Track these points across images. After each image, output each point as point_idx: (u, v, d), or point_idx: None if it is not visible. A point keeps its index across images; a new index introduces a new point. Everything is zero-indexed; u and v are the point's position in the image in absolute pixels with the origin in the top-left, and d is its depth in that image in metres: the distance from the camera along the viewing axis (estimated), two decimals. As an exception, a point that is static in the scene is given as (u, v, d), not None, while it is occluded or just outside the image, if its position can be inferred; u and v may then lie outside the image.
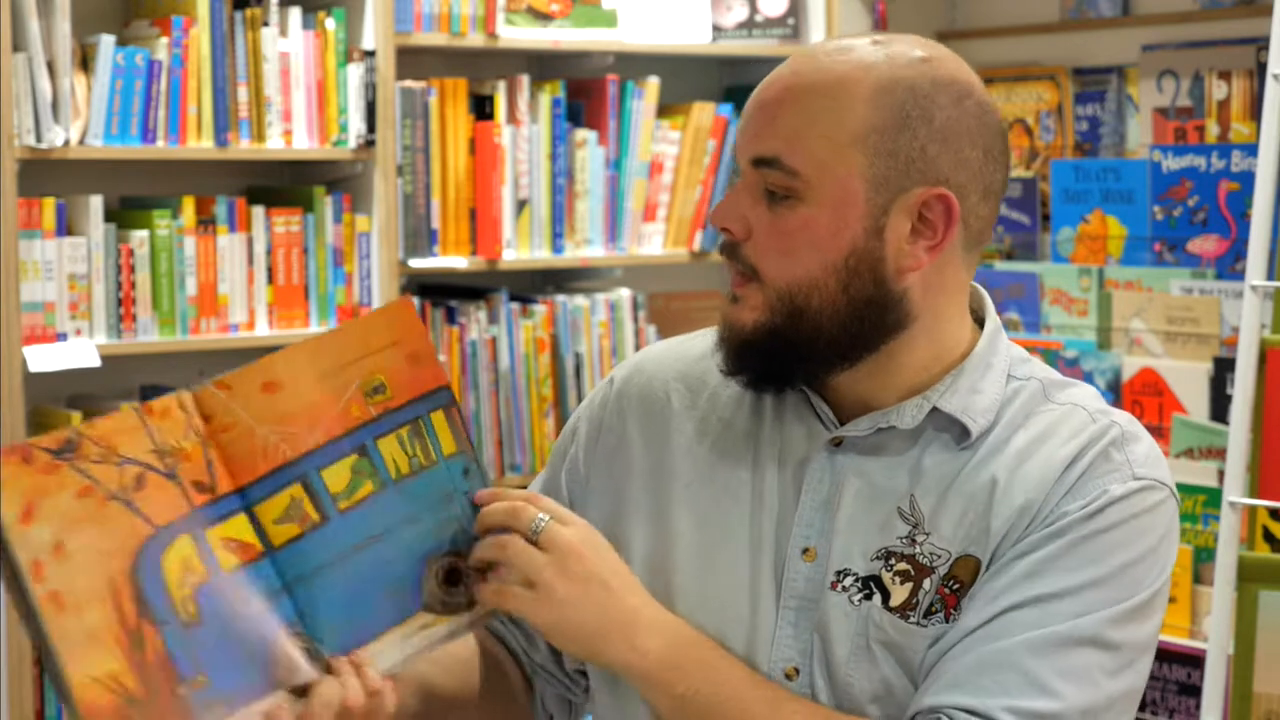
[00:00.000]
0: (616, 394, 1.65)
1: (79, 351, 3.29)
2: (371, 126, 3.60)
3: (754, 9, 4.15)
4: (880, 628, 1.47)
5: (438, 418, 1.47)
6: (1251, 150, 3.61)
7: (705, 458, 1.57)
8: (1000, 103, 4.28)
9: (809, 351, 1.49)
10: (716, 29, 4.14)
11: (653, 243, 4.07)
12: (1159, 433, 3.59)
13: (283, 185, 3.71)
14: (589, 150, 3.94)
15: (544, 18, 3.86)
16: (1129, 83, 4.21)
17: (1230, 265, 3.72)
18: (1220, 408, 3.55)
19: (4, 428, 3.15)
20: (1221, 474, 3.23)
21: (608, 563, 1.46)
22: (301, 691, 1.40)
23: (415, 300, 3.71)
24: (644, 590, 1.49)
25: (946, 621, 1.46)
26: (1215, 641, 2.84)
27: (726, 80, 4.32)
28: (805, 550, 1.50)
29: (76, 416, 3.34)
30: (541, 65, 4.03)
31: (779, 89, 1.49)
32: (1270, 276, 2.93)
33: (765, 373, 1.51)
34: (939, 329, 1.52)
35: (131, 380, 3.50)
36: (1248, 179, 3.58)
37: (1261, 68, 3.82)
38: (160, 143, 3.39)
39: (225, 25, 3.45)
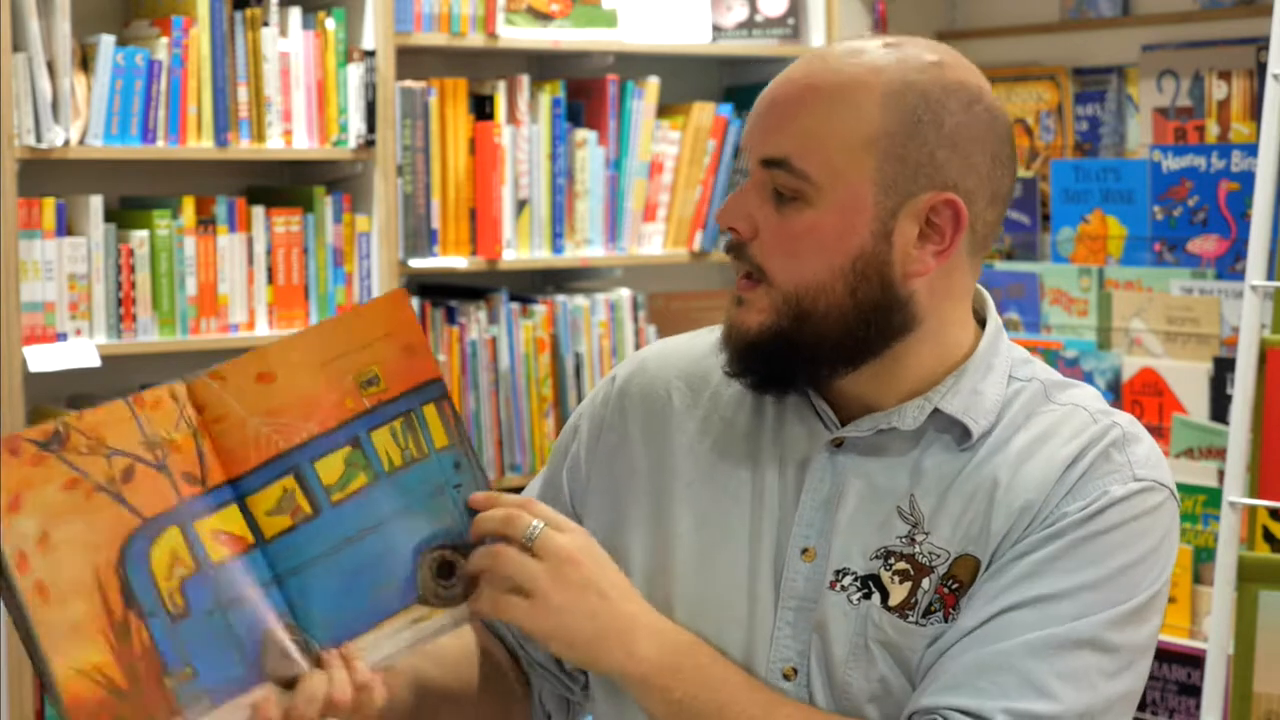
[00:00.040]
0: (618, 392, 1.65)
1: (79, 351, 3.29)
2: (371, 126, 3.60)
3: (754, 9, 4.15)
4: (879, 627, 1.47)
5: (429, 410, 1.47)
6: (1251, 150, 3.61)
7: (706, 457, 1.57)
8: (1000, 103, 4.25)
9: (814, 355, 1.49)
10: (716, 29, 4.14)
11: (653, 243, 4.07)
12: (1159, 433, 3.59)
13: (283, 185, 3.71)
14: (589, 150, 3.94)
15: (544, 18, 3.86)
16: (1129, 83, 4.21)
17: (1230, 265, 3.72)
18: (1220, 408, 3.55)
19: (4, 428, 3.15)
20: (1221, 474, 3.23)
21: (604, 569, 1.46)
22: (291, 684, 1.40)
23: (415, 300, 3.72)
24: (639, 597, 1.49)
25: (945, 621, 1.46)
26: (1215, 641, 2.84)
27: (726, 80, 4.32)
28: (804, 550, 1.50)
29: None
30: (541, 65, 4.03)
31: (791, 89, 1.49)
32: (1270, 276, 2.93)
33: (769, 375, 1.51)
34: (943, 332, 1.52)
35: (131, 380, 3.50)
36: (1248, 179, 3.58)
37: (1261, 68, 3.82)
38: (160, 143, 3.39)
39: (225, 25, 3.45)
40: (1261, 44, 3.79)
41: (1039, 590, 1.43)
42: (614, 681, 1.48)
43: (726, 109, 4.11)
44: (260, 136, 3.51)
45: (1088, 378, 3.75)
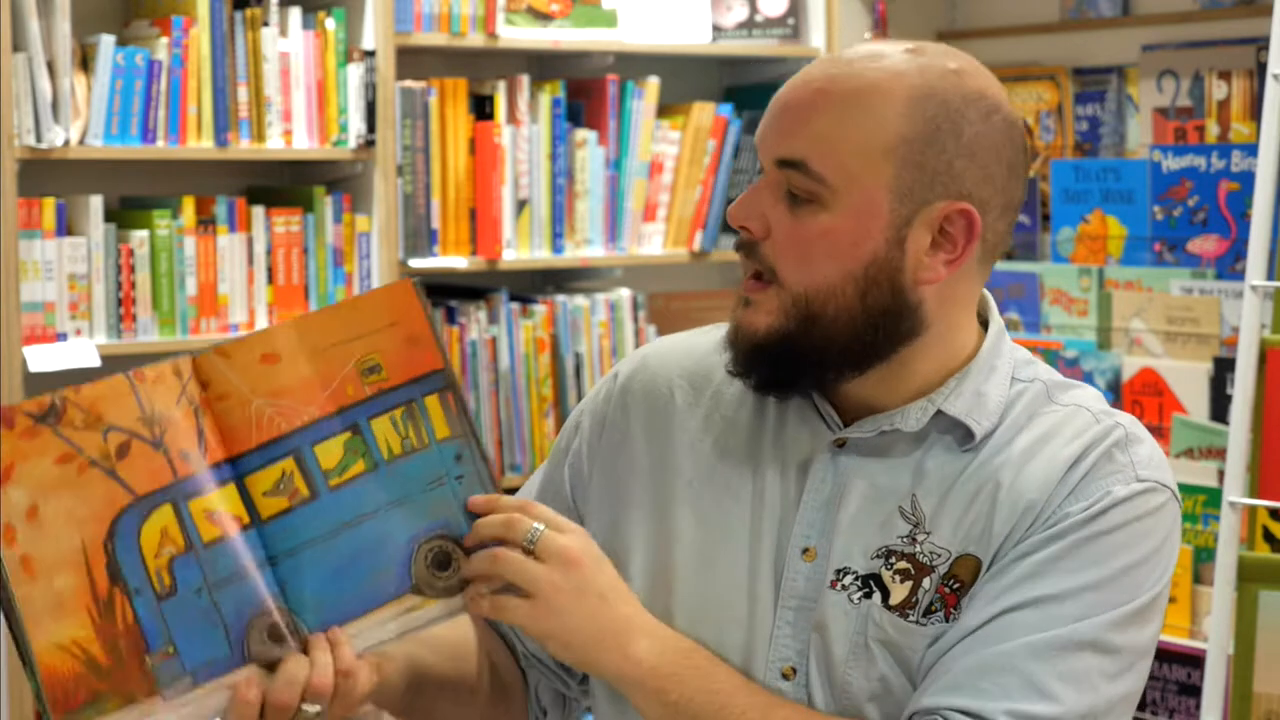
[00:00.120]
0: (620, 389, 1.64)
1: (79, 351, 3.29)
2: (371, 126, 3.60)
3: (754, 9, 4.15)
4: (879, 626, 1.47)
5: (431, 401, 1.46)
6: (1251, 150, 3.61)
7: (707, 456, 1.57)
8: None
9: (821, 358, 1.48)
10: (716, 29, 4.14)
11: (653, 243, 4.07)
12: (1159, 433, 3.59)
13: (283, 185, 3.71)
14: (589, 150, 3.94)
15: (544, 18, 3.86)
16: (1129, 83, 4.21)
17: (1230, 265, 3.72)
18: (1220, 408, 3.55)
19: (4, 428, 3.15)
20: (1221, 474, 3.23)
21: (603, 571, 1.46)
22: (275, 667, 1.40)
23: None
24: (636, 600, 1.48)
25: (946, 621, 1.46)
26: (1215, 641, 2.84)
27: (726, 80, 4.32)
28: (805, 550, 1.50)
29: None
30: (541, 65, 4.03)
31: (811, 91, 1.48)
32: (1270, 276, 2.93)
33: (774, 377, 1.51)
34: (949, 336, 1.52)
35: (131, 380, 3.50)
36: (1248, 179, 3.58)
37: (1261, 68, 3.82)
38: (160, 143, 3.39)
39: (225, 25, 3.45)
40: (1261, 44, 3.79)
41: (1041, 591, 1.43)
42: (611, 684, 1.48)
43: (726, 109, 4.11)
44: (260, 136, 3.51)
45: (1088, 378, 3.75)
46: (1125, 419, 1.51)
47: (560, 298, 3.94)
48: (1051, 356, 3.81)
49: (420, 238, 3.73)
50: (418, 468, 1.45)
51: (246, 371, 1.42)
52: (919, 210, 1.46)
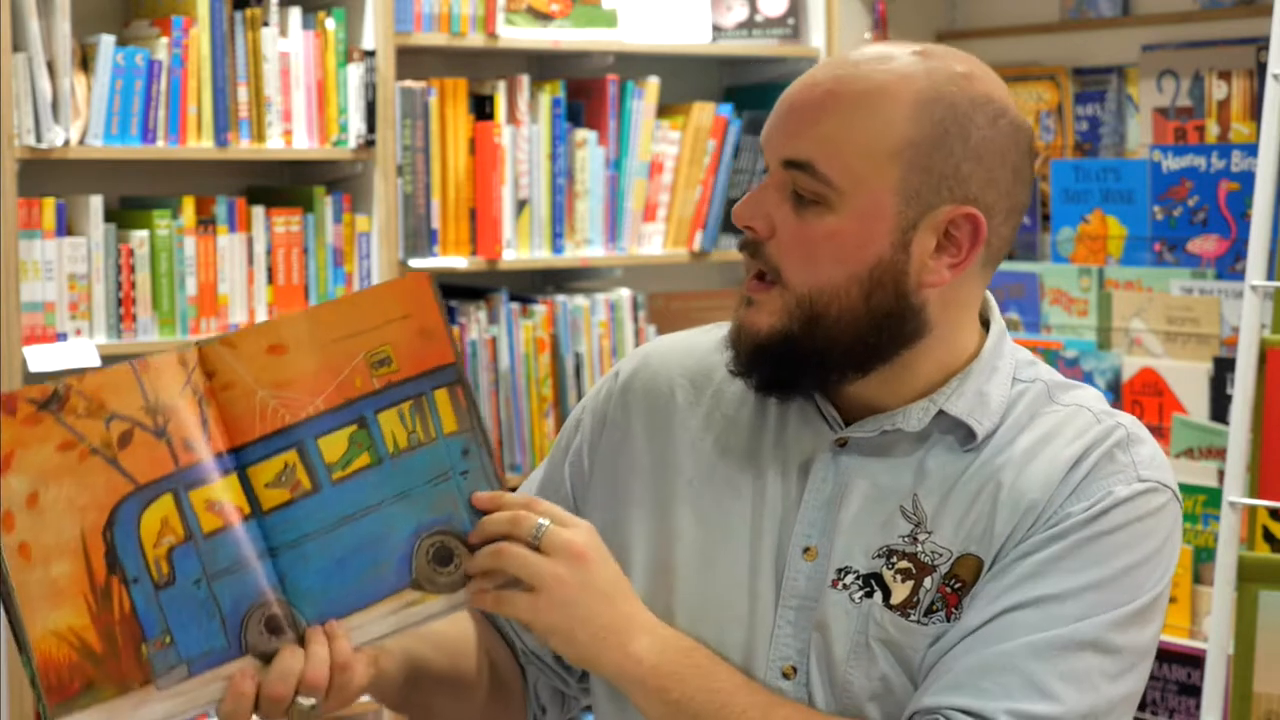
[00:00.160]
0: (621, 388, 1.64)
1: (79, 351, 3.29)
2: (371, 126, 3.60)
3: (754, 9, 4.15)
4: (880, 625, 1.47)
5: (441, 395, 1.46)
6: (1251, 150, 3.61)
7: (708, 454, 1.57)
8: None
9: (823, 359, 1.48)
10: (716, 29, 4.14)
11: (653, 243, 4.07)
12: (1159, 432, 3.59)
13: (283, 185, 3.71)
14: (589, 150, 3.94)
15: (544, 18, 3.86)
16: (1129, 83, 4.21)
17: (1230, 265, 3.72)
18: (1220, 408, 3.55)
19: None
20: (1221, 474, 3.23)
21: (608, 567, 1.46)
22: (272, 659, 1.40)
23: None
24: (637, 598, 1.48)
25: (947, 620, 1.46)
26: (1215, 641, 2.84)
27: (726, 80, 4.32)
28: (806, 549, 1.50)
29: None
30: (541, 65, 4.03)
31: (819, 92, 1.48)
32: (1270, 276, 2.93)
33: (776, 378, 1.51)
34: (951, 338, 1.52)
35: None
36: (1248, 179, 3.58)
37: (1261, 68, 3.82)
38: (160, 143, 3.39)
39: (225, 25, 3.45)
40: (1261, 44, 3.79)
41: (1042, 590, 1.43)
42: (611, 681, 1.48)
43: (726, 109, 4.11)
44: (260, 136, 3.51)
45: (1088, 378, 3.75)
46: (1126, 419, 1.51)
47: (560, 298, 3.94)
48: (1051, 356, 3.81)
49: (420, 238, 3.73)
50: (423, 462, 1.45)
51: (252, 362, 1.42)
52: (925, 214, 1.46)
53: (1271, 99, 2.87)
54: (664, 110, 4.09)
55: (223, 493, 1.40)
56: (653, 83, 4.03)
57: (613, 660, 1.45)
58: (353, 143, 3.61)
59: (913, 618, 1.46)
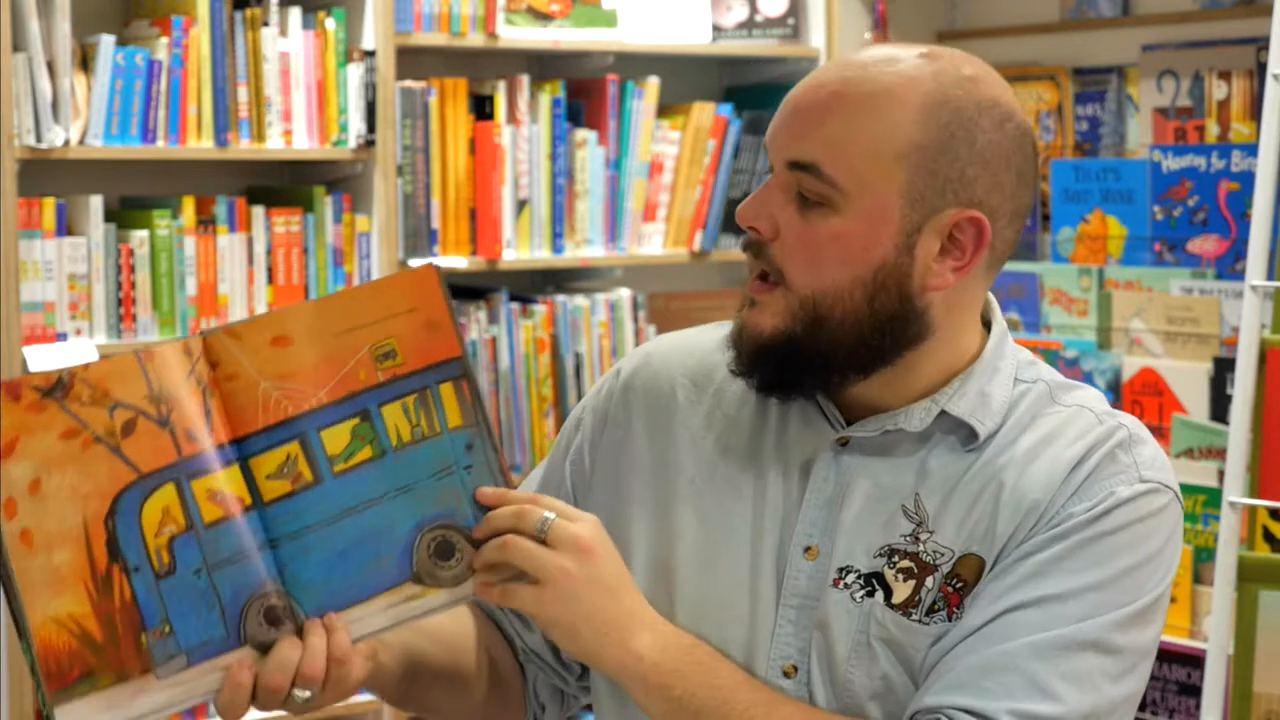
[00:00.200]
0: (623, 386, 1.64)
1: (79, 351, 3.29)
2: (371, 126, 3.60)
3: (754, 9, 4.15)
4: (882, 625, 1.47)
5: (446, 389, 1.45)
6: (1251, 150, 3.61)
7: (709, 453, 1.57)
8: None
9: (826, 361, 1.48)
10: (716, 29, 4.14)
11: (653, 243, 4.07)
12: (1159, 432, 3.59)
13: (283, 185, 3.72)
14: (589, 150, 3.94)
15: (544, 18, 3.86)
16: (1129, 83, 4.21)
17: (1230, 265, 3.72)
18: (1220, 408, 3.55)
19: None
20: (1221, 474, 3.23)
21: (613, 561, 1.46)
22: (270, 650, 1.40)
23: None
24: (640, 594, 1.49)
25: (949, 620, 1.46)
26: (1215, 641, 2.84)
27: (726, 80, 4.32)
28: (807, 548, 1.50)
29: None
30: (541, 65, 4.03)
31: (825, 93, 1.48)
32: (1270, 276, 2.93)
33: (778, 379, 1.51)
34: (954, 340, 1.52)
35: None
36: (1248, 179, 3.58)
37: (1261, 68, 3.82)
38: (160, 143, 3.39)
39: (225, 25, 3.45)
40: (1261, 44, 3.79)
41: (1044, 590, 1.43)
42: (613, 678, 1.48)
43: (726, 109, 4.11)
44: (260, 136, 3.51)
45: (1088, 378, 3.75)
46: (1128, 420, 1.51)
47: (560, 298, 3.94)
48: (1051, 356, 3.81)
49: (420, 238, 3.73)
50: (426, 456, 1.45)
51: (257, 353, 1.42)
52: (929, 217, 1.46)
53: (1271, 99, 2.87)
54: (664, 110, 4.09)
55: (224, 483, 1.40)
56: (653, 83, 4.03)
57: (614, 656, 1.45)
58: (353, 143, 3.61)
59: (914, 617, 1.46)
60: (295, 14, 3.56)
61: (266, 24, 3.51)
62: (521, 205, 3.86)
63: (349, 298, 1.46)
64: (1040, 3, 4.41)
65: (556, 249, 3.91)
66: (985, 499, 1.47)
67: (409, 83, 3.69)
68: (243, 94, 3.48)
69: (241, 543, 1.40)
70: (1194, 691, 3.42)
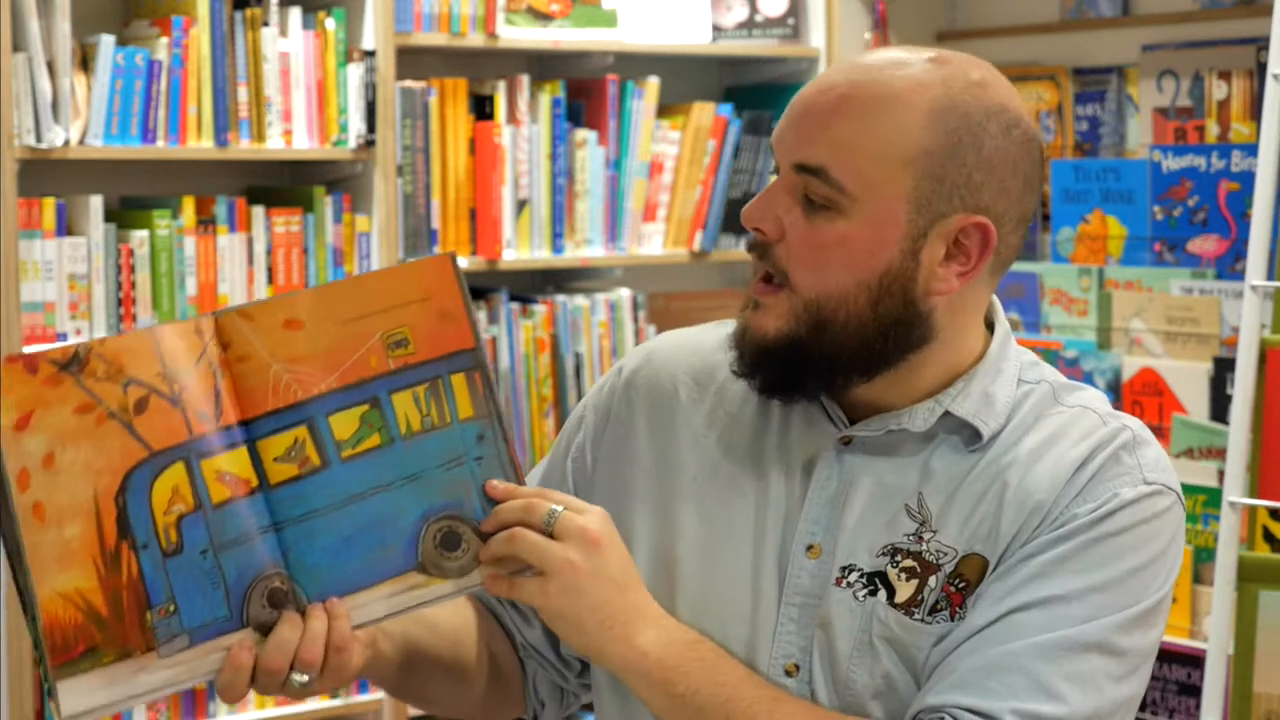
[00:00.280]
0: (625, 384, 1.64)
1: (79, 351, 3.29)
2: (371, 126, 3.60)
3: (754, 9, 4.15)
4: (884, 624, 1.47)
5: (458, 380, 1.45)
6: (1251, 150, 3.61)
7: (711, 452, 1.57)
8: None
9: (830, 364, 1.48)
10: (716, 29, 4.14)
11: (653, 243, 4.07)
12: (1159, 432, 3.59)
13: (283, 185, 3.71)
14: (589, 150, 3.94)
15: (544, 18, 3.86)
16: (1129, 83, 4.22)
17: (1230, 265, 3.72)
18: (1220, 408, 3.55)
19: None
20: (1221, 474, 3.23)
21: (620, 555, 1.46)
22: (271, 632, 1.40)
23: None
24: (645, 590, 1.49)
25: (951, 620, 1.46)
26: (1215, 641, 2.84)
27: (726, 80, 4.32)
28: (810, 547, 1.50)
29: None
30: (541, 65, 4.03)
31: (833, 97, 1.47)
32: (1270, 276, 2.93)
33: (781, 381, 1.51)
34: (957, 343, 1.52)
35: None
36: (1248, 179, 3.58)
37: (1261, 68, 3.82)
38: (160, 143, 3.39)
39: (225, 25, 3.45)
40: (1261, 44, 3.79)
41: (1048, 591, 1.43)
42: (615, 673, 1.48)
43: (726, 109, 4.11)
44: (260, 136, 3.51)
45: (1088, 378, 3.75)
46: (1132, 421, 1.52)
47: (560, 298, 3.94)
48: (1051, 356, 3.81)
49: (420, 238, 3.73)
50: (436, 446, 1.44)
51: (268, 335, 1.42)
52: (935, 222, 1.46)
53: (1271, 99, 2.87)
54: (664, 110, 4.09)
55: (233, 465, 1.40)
56: (653, 83, 4.03)
57: (618, 652, 1.45)
58: (353, 143, 3.61)
59: (917, 616, 1.46)
60: (295, 14, 3.56)
61: (266, 24, 3.51)
62: (521, 205, 3.86)
63: (363, 284, 1.46)
64: (1040, 3, 4.41)
65: (556, 249, 3.91)
66: (989, 499, 1.47)
67: (409, 83, 3.69)
68: (243, 94, 3.48)
69: (247, 525, 1.40)
70: (1194, 691, 3.42)
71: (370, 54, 3.59)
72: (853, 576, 1.48)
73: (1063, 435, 1.49)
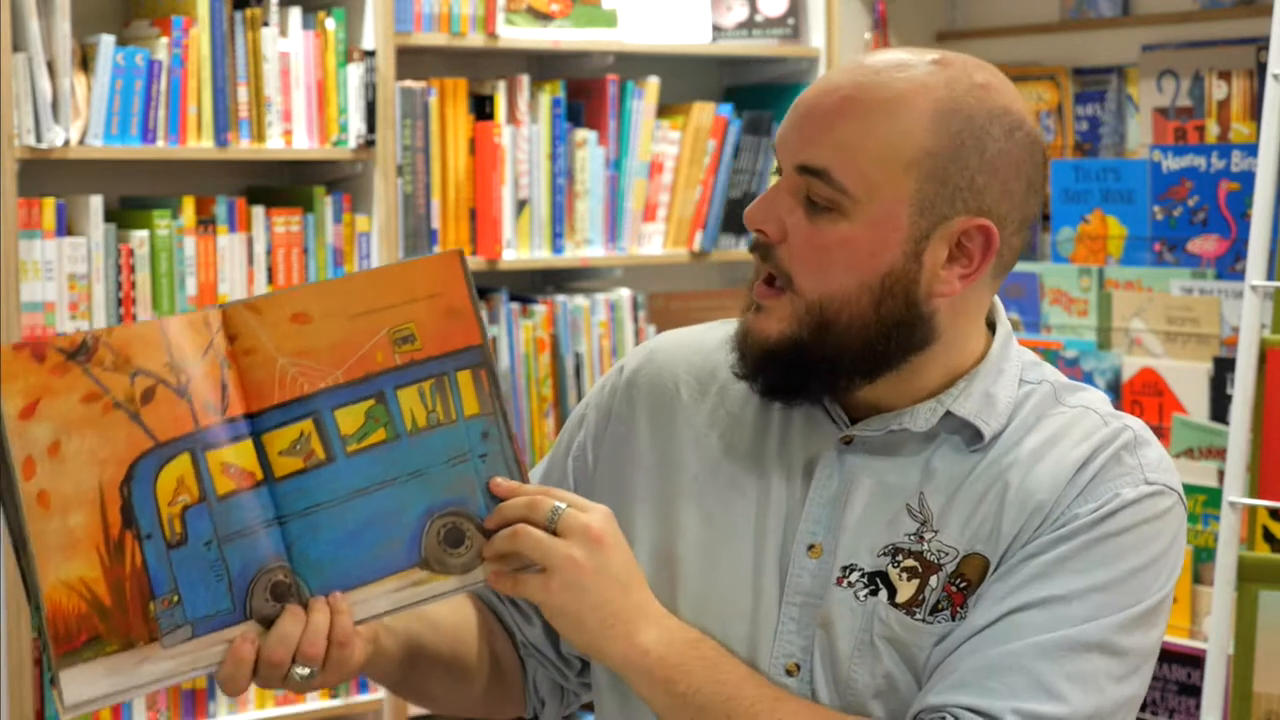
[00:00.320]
0: (626, 383, 1.64)
1: (79, 351, 3.29)
2: (371, 126, 3.60)
3: (754, 9, 4.15)
4: (885, 623, 1.47)
5: (464, 377, 1.45)
6: (1251, 150, 3.61)
7: (712, 451, 1.57)
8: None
9: (832, 366, 1.48)
10: (716, 29, 4.14)
11: (653, 243, 4.07)
12: (1159, 432, 3.59)
13: (283, 185, 3.71)
14: (589, 150, 3.94)
15: (544, 18, 3.86)
16: (1129, 83, 4.22)
17: (1230, 265, 3.72)
18: (1220, 408, 3.55)
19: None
20: (1221, 474, 3.23)
21: (623, 553, 1.46)
22: (273, 625, 1.40)
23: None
24: (648, 588, 1.49)
25: (952, 620, 1.46)
26: (1215, 641, 2.84)
27: (726, 80, 4.32)
28: (811, 546, 1.50)
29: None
30: (541, 65, 4.03)
31: (837, 98, 1.47)
32: (1270, 276, 2.93)
33: (783, 383, 1.51)
34: (958, 344, 1.52)
35: (131, 380, 3.50)
36: (1248, 179, 3.58)
37: (1261, 68, 3.82)
38: (160, 143, 3.39)
39: (225, 25, 3.45)
40: (1261, 44, 3.79)
41: (1049, 591, 1.43)
42: (616, 671, 1.48)
43: (726, 109, 4.11)
44: (260, 136, 3.51)
45: (1087, 378, 3.75)
46: (1133, 422, 1.52)
47: (560, 298, 3.94)
48: (1051, 356, 3.80)
49: (420, 238, 3.73)
50: (441, 442, 1.45)
51: (275, 329, 1.42)
52: (938, 224, 1.46)
53: (1271, 99, 2.87)
54: (664, 110, 4.09)
55: (238, 458, 1.40)
56: (653, 83, 4.03)
57: (619, 650, 1.45)
58: (353, 143, 3.61)
59: (918, 616, 1.46)
60: (295, 14, 3.56)
61: (266, 24, 3.51)
62: (521, 205, 3.86)
63: (371, 279, 1.46)
64: (1040, 3, 4.41)
65: (556, 249, 3.91)
66: (990, 499, 1.47)
67: (409, 83, 3.69)
68: (243, 94, 3.48)
69: (251, 518, 1.40)
70: (1194, 691, 3.42)
71: (370, 54, 3.59)
72: (854, 576, 1.48)
73: (1064, 435, 1.49)
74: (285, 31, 3.55)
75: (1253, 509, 2.92)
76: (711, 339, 1.63)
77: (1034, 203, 1.51)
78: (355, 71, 3.60)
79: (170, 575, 1.37)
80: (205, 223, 3.48)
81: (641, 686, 1.46)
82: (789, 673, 1.49)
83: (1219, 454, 3.45)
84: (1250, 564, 2.82)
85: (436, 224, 3.75)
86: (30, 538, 1.34)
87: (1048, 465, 1.47)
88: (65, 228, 3.33)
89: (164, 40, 3.38)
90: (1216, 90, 4.01)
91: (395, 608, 1.44)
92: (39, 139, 3.25)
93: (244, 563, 1.40)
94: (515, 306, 3.86)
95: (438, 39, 3.71)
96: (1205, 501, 3.45)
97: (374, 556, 1.43)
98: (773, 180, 1.53)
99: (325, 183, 3.65)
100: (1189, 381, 3.65)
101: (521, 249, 3.87)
